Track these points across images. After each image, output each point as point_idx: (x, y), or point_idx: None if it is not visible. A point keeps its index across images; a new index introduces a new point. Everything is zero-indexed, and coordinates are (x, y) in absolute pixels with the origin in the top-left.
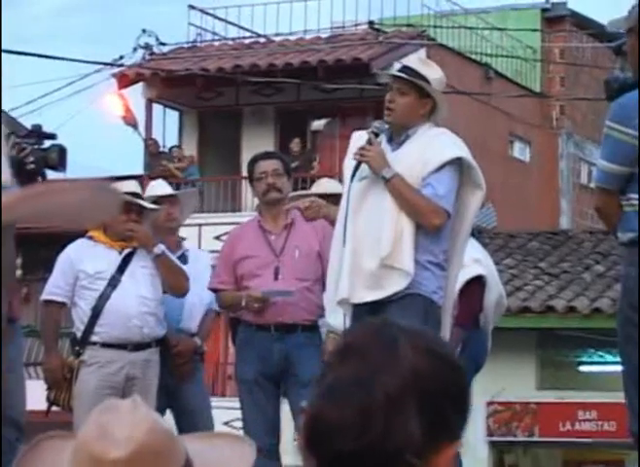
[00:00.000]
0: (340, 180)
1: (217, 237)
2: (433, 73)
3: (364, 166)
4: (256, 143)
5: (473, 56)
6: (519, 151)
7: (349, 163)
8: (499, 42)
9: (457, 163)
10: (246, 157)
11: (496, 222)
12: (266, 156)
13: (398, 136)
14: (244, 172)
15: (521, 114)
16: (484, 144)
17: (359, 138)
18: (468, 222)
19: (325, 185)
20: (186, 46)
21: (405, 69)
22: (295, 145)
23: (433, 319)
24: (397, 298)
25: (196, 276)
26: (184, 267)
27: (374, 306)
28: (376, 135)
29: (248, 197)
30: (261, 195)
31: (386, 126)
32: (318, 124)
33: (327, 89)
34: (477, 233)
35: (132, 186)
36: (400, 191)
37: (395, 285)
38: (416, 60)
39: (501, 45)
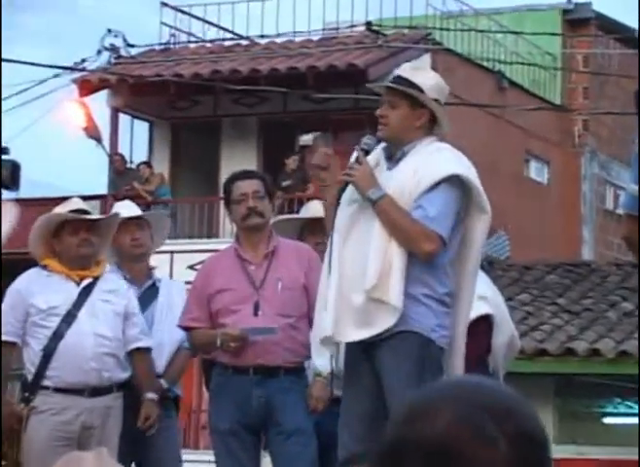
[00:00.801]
0: None
1: (191, 267)
2: (427, 79)
3: (354, 188)
4: (236, 160)
5: (484, 63)
6: (536, 171)
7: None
8: (514, 47)
9: (456, 182)
10: (225, 175)
11: (509, 252)
12: (246, 175)
13: (395, 153)
14: (222, 193)
15: (539, 129)
16: (496, 163)
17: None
18: (475, 251)
19: (315, 208)
20: (157, 48)
21: (395, 79)
22: (291, 162)
23: (432, 361)
24: (388, 336)
25: (169, 310)
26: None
27: (365, 346)
28: (366, 153)
29: (227, 221)
30: (240, 219)
31: (377, 143)
32: (307, 138)
33: (318, 100)
34: (486, 265)
35: (75, 203)
36: (387, 214)
37: (383, 322)
38: (407, 67)
39: (516, 51)
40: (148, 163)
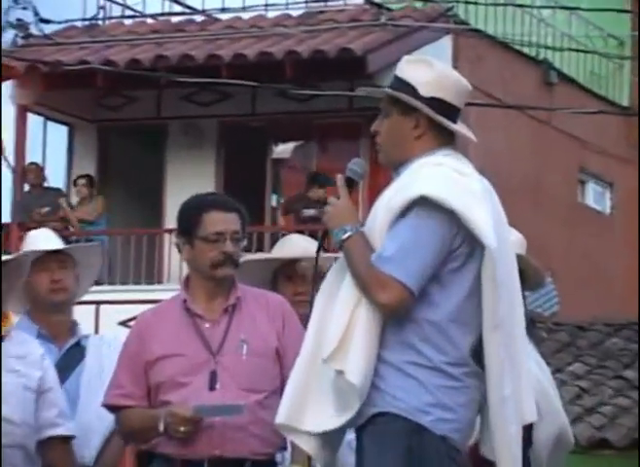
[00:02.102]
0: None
1: (123, 323)
2: (420, 74)
3: None
4: (187, 177)
5: (525, 50)
6: (595, 196)
7: None
8: (566, 28)
9: (430, 207)
10: (172, 198)
11: (558, 306)
12: (225, 206)
13: (395, 169)
14: (168, 223)
15: (599, 140)
16: (541, 185)
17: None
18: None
19: (293, 245)
20: (81, 25)
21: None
22: (321, 193)
23: (428, 458)
24: (366, 421)
25: (98, 379)
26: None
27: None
28: (351, 183)
29: (173, 261)
30: (209, 266)
31: (365, 169)
32: (283, 149)
33: (298, 97)
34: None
35: None
36: (348, 257)
37: (346, 406)
38: (403, 62)
39: (569, 33)
40: (89, 178)
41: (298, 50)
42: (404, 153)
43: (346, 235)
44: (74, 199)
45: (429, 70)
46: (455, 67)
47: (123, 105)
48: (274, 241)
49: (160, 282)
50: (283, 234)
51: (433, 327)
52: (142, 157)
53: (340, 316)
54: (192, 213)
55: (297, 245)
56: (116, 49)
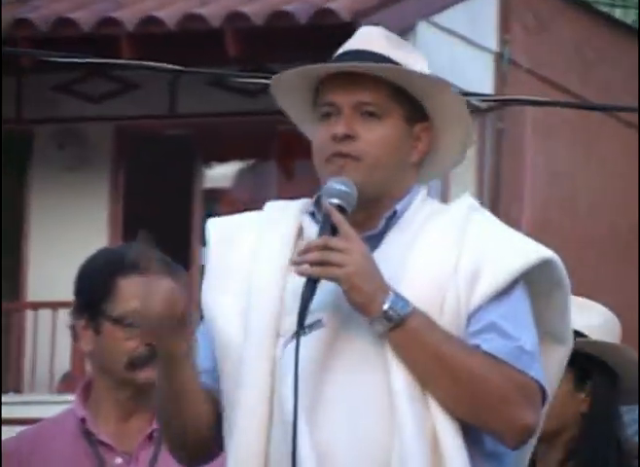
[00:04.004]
0: None
1: None
2: (419, 63)
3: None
4: (64, 216)
5: (617, 12)
6: None
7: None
8: None
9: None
10: (37, 251)
11: None
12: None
13: (371, 214)
14: (30, 293)
15: None
16: (634, 225)
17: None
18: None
19: None
20: None
21: (364, 56)
22: None
23: None
24: None
25: None
26: None
27: None
28: (342, 211)
29: (40, 356)
30: (125, 363)
31: (354, 189)
32: (222, 173)
33: (248, 88)
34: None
35: None
36: (423, 343)
37: None
38: (382, 39)
39: None
40: None
41: (245, 11)
42: (402, 181)
43: (411, 309)
44: None
45: (422, 60)
46: (504, 41)
47: None
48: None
49: (17, 391)
50: None
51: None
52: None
53: (414, 437)
54: (98, 278)
55: None
56: None
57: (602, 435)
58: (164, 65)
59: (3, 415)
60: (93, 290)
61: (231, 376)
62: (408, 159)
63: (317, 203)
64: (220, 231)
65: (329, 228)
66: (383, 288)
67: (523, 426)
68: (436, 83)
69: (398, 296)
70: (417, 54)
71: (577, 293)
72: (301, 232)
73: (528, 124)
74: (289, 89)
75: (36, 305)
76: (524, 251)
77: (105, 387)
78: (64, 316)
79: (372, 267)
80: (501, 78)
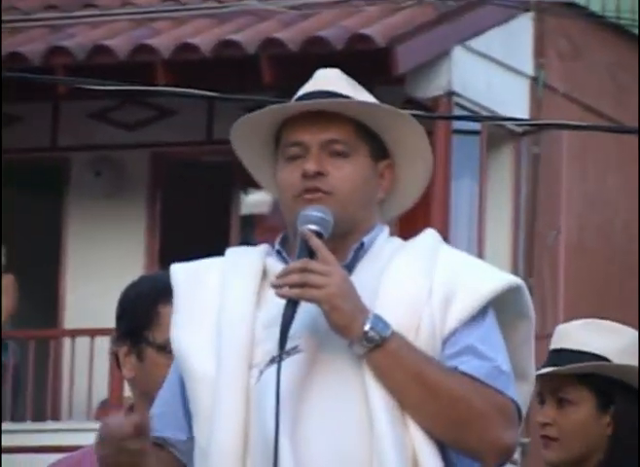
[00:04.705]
0: None
1: None
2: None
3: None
4: (101, 245)
5: None
6: None
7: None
8: None
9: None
10: (74, 280)
11: None
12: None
13: (337, 248)
14: (67, 320)
15: None
16: None
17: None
18: None
19: None
20: None
21: (330, 96)
22: None
23: None
24: None
25: None
26: None
27: None
28: (319, 238)
29: (77, 384)
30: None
31: (330, 216)
32: (259, 199)
33: None
34: None
35: None
36: (403, 365)
37: None
38: (339, 80)
39: None
40: None
41: (280, 37)
42: (369, 217)
43: (391, 331)
44: None
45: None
46: (539, 65)
47: None
48: None
49: (55, 418)
50: None
51: None
52: (25, 211)
53: (390, 453)
54: (141, 305)
55: None
56: None
57: (629, 457)
58: (200, 92)
59: (41, 443)
60: (136, 317)
61: (205, 409)
62: (374, 196)
63: (283, 243)
64: (184, 273)
65: (306, 252)
66: (363, 309)
67: (504, 446)
68: (400, 115)
69: (378, 317)
70: (373, 99)
71: (614, 318)
72: (265, 272)
73: (564, 148)
74: (249, 132)
75: (74, 333)
76: (494, 276)
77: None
78: (102, 343)
79: (351, 289)
80: (536, 102)
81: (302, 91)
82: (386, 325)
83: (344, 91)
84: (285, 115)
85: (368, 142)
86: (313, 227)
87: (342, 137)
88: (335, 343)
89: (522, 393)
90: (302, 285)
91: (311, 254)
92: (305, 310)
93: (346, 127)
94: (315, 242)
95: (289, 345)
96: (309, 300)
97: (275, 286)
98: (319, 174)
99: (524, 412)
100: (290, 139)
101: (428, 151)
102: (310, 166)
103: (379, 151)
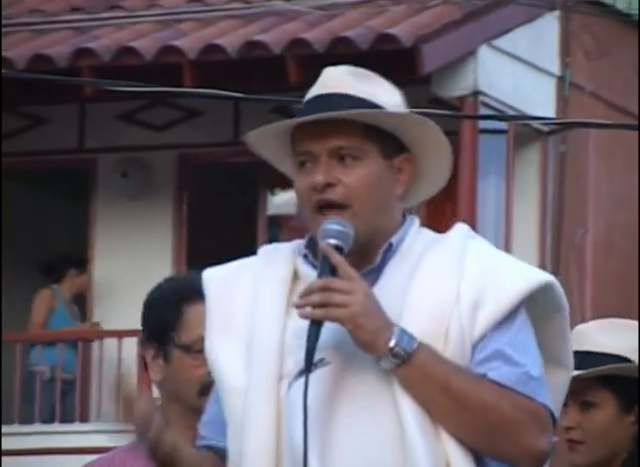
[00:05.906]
0: None
1: None
2: (389, 94)
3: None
4: (128, 245)
5: None
6: None
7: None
8: None
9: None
10: (102, 276)
11: None
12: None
13: (365, 252)
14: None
15: None
16: None
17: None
18: None
19: None
20: None
21: (334, 100)
22: None
23: None
24: None
25: None
26: None
27: None
28: (340, 253)
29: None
30: (197, 391)
31: (350, 228)
32: (286, 200)
33: None
34: None
35: None
36: (432, 378)
37: None
38: (347, 77)
39: None
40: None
41: (306, 38)
42: (392, 216)
43: (416, 344)
44: None
45: (392, 91)
46: (565, 64)
47: (20, 131)
48: None
49: (84, 420)
50: None
51: None
52: (53, 212)
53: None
54: (165, 307)
55: None
56: (10, 38)
57: None
58: (226, 93)
59: (70, 445)
60: (161, 319)
61: (237, 420)
62: (393, 193)
63: (309, 245)
64: (216, 281)
65: (328, 269)
66: (388, 325)
67: (538, 451)
68: (409, 117)
69: (403, 331)
70: (387, 85)
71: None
72: (296, 273)
73: (590, 146)
74: (268, 139)
75: (102, 334)
76: (524, 276)
77: (176, 415)
78: (129, 345)
79: (375, 305)
80: (563, 101)
81: (310, 94)
82: (412, 339)
83: (352, 90)
84: (290, 127)
85: (379, 142)
86: (333, 241)
87: (350, 143)
88: (361, 358)
89: (560, 379)
90: (324, 305)
91: (333, 270)
92: (331, 324)
93: (354, 131)
94: (336, 259)
95: (316, 358)
96: (333, 320)
97: (298, 306)
98: (329, 185)
99: (562, 398)
100: (299, 148)
101: (446, 142)
102: (319, 178)
103: (393, 147)
